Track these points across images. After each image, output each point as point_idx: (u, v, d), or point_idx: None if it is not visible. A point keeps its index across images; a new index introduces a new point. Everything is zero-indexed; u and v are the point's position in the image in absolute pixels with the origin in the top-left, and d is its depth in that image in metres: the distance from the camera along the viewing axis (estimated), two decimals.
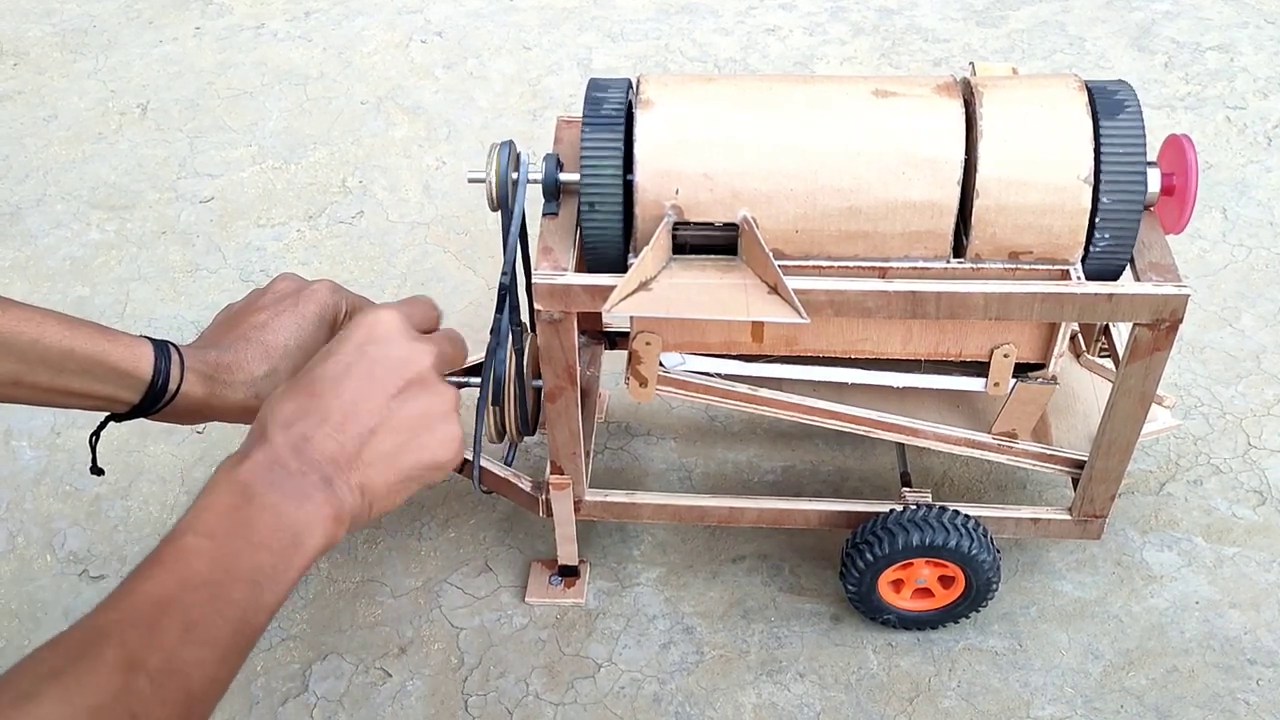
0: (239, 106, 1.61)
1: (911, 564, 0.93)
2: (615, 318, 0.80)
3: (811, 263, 0.81)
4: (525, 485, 0.97)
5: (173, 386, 0.73)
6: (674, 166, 0.79)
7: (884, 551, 0.91)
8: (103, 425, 0.77)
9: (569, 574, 1.03)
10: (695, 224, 0.80)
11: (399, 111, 1.59)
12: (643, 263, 0.76)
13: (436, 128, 1.56)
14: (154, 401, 0.73)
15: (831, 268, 0.81)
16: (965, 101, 0.80)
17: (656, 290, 0.76)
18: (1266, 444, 1.11)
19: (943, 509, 0.91)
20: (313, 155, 1.52)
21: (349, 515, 0.59)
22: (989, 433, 0.92)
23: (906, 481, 0.99)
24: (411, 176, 1.48)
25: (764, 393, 0.91)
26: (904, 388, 0.91)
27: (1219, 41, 1.66)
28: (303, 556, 0.56)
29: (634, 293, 0.75)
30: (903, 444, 0.99)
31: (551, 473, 0.94)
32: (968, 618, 0.97)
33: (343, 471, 0.59)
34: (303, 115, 1.59)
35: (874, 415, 0.92)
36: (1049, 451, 0.93)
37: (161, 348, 0.74)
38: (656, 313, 0.75)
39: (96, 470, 0.81)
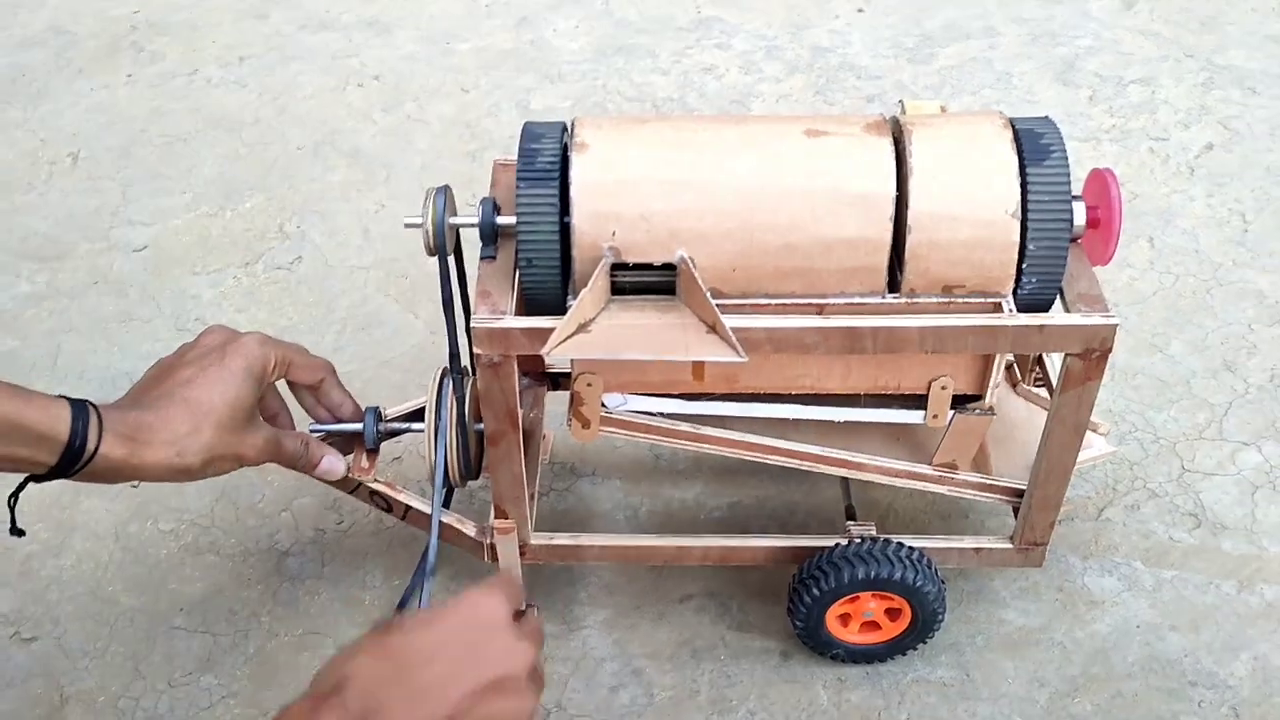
0: (172, 153, 1.60)
1: (858, 598, 0.93)
2: (556, 360, 0.81)
3: (749, 301, 0.82)
4: (469, 530, 0.96)
5: (90, 448, 0.71)
6: (610, 208, 0.79)
7: (830, 586, 0.91)
8: (21, 487, 0.75)
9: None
10: (633, 266, 0.80)
11: (337, 155, 1.59)
12: (581, 305, 0.76)
13: (375, 171, 1.56)
14: (71, 463, 0.71)
15: (769, 305, 0.82)
16: (895, 139, 0.81)
17: (596, 332, 0.76)
18: (1200, 467, 1.13)
19: (886, 542, 0.91)
20: (249, 201, 1.51)
21: None
22: (930, 464, 0.93)
23: (851, 515, 1.00)
24: (350, 221, 1.48)
25: (707, 430, 0.92)
26: (846, 422, 0.92)
27: (1140, 75, 1.71)
28: None
29: (573, 335, 0.75)
30: (846, 478, 1.00)
31: (495, 517, 0.93)
32: (915, 649, 0.97)
33: None
34: (238, 161, 1.58)
35: (817, 450, 0.92)
36: (989, 481, 0.94)
37: (79, 408, 0.72)
38: (596, 354, 0.75)
39: (16, 532, 0.79)
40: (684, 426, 0.91)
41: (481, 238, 0.84)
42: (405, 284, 1.37)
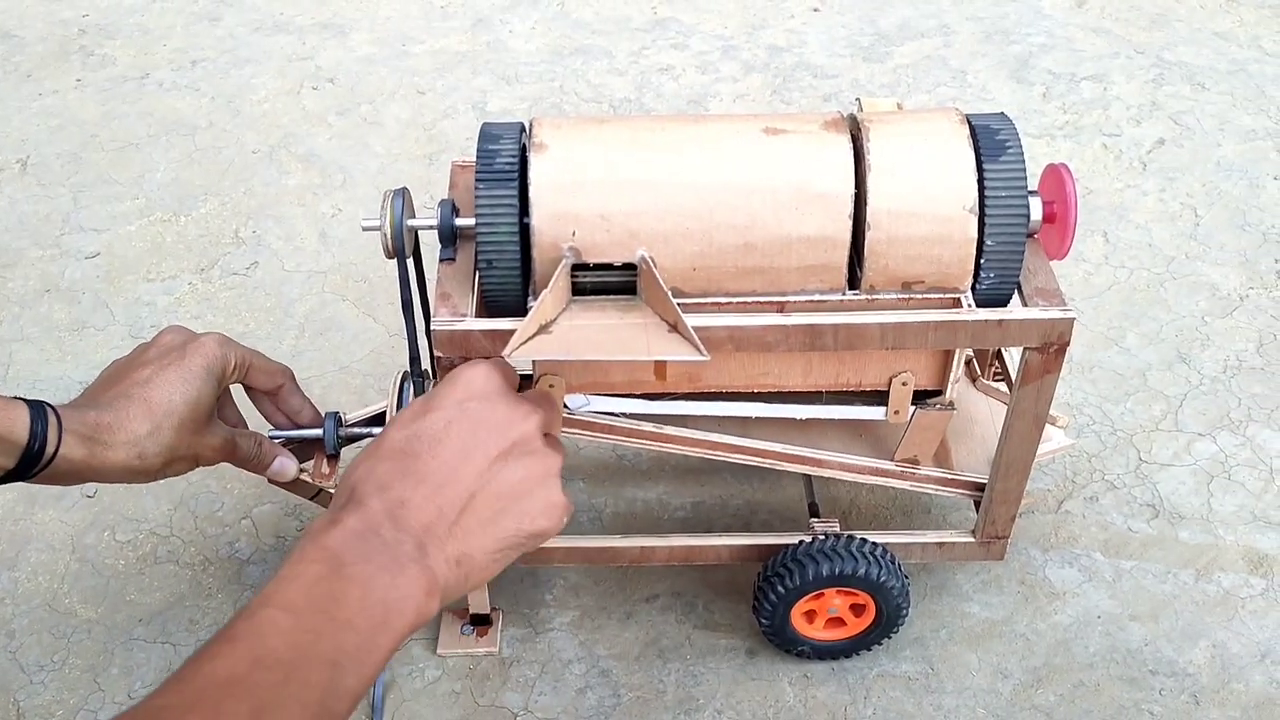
0: (124, 159, 1.57)
1: (823, 594, 0.93)
2: (518, 361, 0.80)
3: (710, 300, 0.82)
4: None
5: (50, 449, 0.70)
6: (570, 208, 0.79)
7: (795, 583, 0.91)
8: None
9: (481, 623, 1.01)
10: (594, 266, 0.80)
11: (292, 159, 1.57)
12: (542, 306, 0.76)
13: (331, 175, 1.55)
14: (30, 465, 0.70)
15: (730, 304, 0.82)
16: (853, 136, 0.82)
17: (557, 333, 0.76)
18: (1156, 458, 1.15)
19: (850, 538, 0.92)
20: (203, 206, 1.49)
21: (442, 589, 0.55)
22: (892, 460, 0.94)
23: (815, 512, 1.00)
24: (307, 225, 1.46)
25: (670, 430, 0.92)
26: (809, 420, 0.92)
27: (1093, 72, 1.73)
28: (390, 637, 0.52)
29: (534, 337, 0.74)
30: (809, 476, 1.00)
31: None
32: (880, 644, 0.98)
33: (439, 541, 0.55)
34: (192, 165, 1.56)
35: (779, 448, 0.92)
36: (950, 476, 0.94)
37: (37, 409, 0.71)
38: (556, 356, 0.75)
39: None
40: (647, 427, 0.91)
41: (441, 240, 0.84)
42: (364, 288, 1.36)
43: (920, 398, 0.89)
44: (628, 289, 0.81)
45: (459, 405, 0.59)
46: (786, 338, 0.80)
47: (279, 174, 1.54)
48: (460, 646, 1.00)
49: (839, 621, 0.96)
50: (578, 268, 0.80)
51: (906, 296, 0.82)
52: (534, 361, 0.86)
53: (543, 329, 0.76)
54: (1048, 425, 1.02)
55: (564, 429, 0.90)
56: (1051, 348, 0.81)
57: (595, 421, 0.90)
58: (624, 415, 0.91)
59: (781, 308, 0.82)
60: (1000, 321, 0.80)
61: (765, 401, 0.90)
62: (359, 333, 1.31)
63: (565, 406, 0.89)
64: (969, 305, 0.81)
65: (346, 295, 1.36)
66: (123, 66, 1.76)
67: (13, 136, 1.61)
